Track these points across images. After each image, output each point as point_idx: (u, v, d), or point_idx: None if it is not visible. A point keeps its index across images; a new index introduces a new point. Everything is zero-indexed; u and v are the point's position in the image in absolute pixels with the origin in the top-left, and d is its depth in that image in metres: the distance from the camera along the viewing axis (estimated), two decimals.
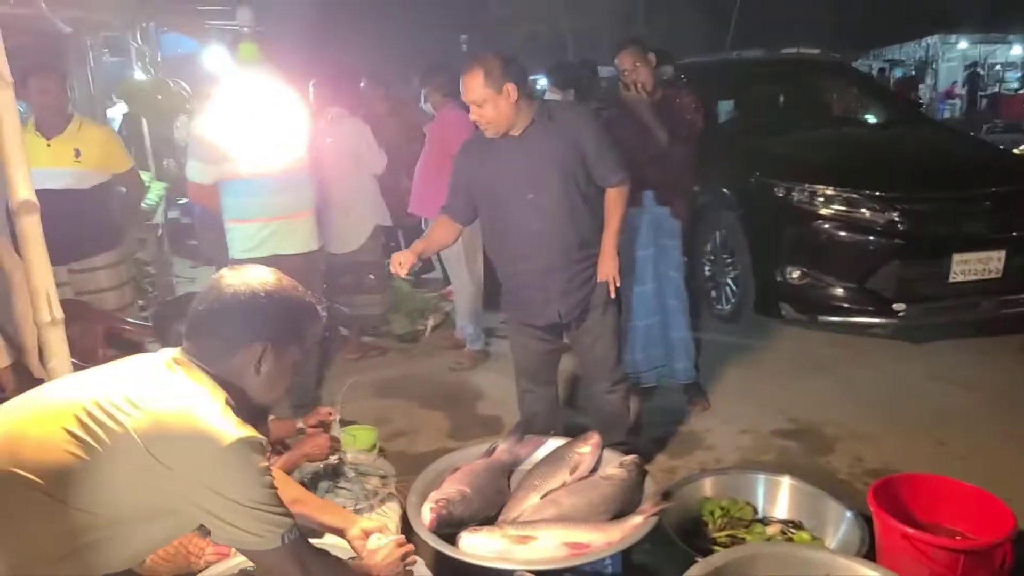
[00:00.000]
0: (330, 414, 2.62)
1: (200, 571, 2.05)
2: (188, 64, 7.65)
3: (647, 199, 3.54)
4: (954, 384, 3.77)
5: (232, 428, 1.34)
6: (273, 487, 1.39)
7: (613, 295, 2.77)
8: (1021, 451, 3.11)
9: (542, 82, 6.44)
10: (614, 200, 2.74)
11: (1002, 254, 4.03)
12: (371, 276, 4.23)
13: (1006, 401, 3.57)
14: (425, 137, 4.39)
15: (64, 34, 4.26)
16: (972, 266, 4.00)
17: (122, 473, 1.30)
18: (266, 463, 1.39)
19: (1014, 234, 4.08)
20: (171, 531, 1.46)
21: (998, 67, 22.15)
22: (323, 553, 1.58)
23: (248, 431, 1.36)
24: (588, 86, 5.10)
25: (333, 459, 2.50)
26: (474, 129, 2.75)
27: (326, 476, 2.49)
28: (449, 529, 2.17)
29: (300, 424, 2.63)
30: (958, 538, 2.07)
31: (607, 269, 2.73)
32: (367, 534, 1.83)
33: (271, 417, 2.47)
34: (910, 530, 2.06)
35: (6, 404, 1.45)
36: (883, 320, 4.10)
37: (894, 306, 4.03)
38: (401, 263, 2.66)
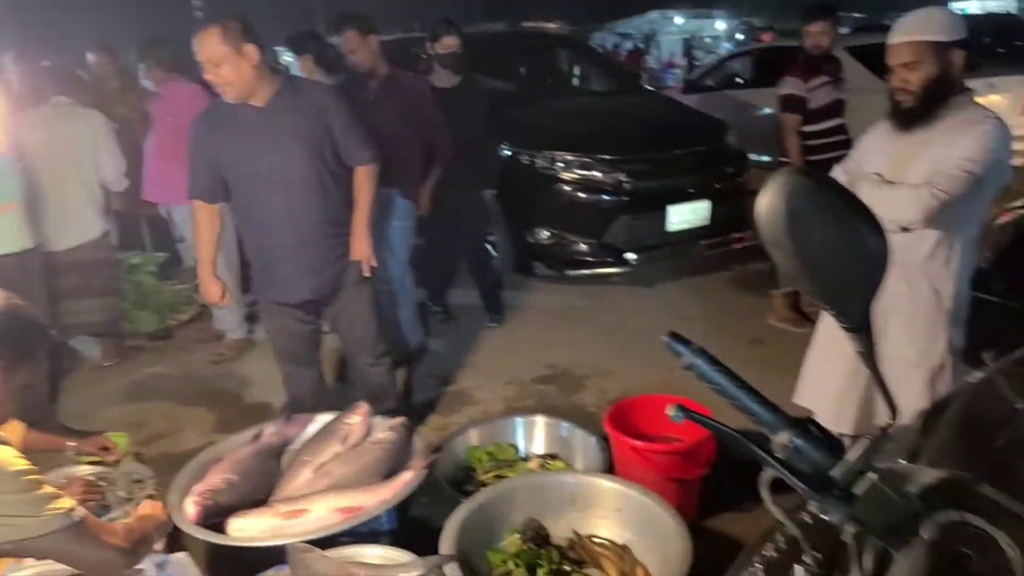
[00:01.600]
0: (106, 449, 2.48)
1: None
2: None
3: None
4: (678, 318, 4.37)
5: None
6: (32, 473, 1.37)
7: (367, 274, 2.82)
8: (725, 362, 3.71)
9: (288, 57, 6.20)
10: (363, 179, 2.76)
11: (707, 204, 4.72)
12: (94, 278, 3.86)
13: (716, 326, 4.22)
14: (149, 117, 4.08)
15: None
16: (684, 216, 4.65)
17: None
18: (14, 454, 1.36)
19: (716, 186, 4.79)
20: None
21: (708, 39, 25.26)
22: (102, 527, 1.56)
23: None
24: (333, 58, 5.01)
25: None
26: (210, 100, 2.63)
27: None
28: (217, 519, 2.13)
29: (73, 444, 2.45)
30: (674, 443, 2.46)
31: (360, 248, 2.77)
32: None
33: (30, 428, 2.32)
34: (636, 443, 2.41)
35: None
36: (619, 269, 4.63)
37: (626, 256, 4.56)
38: (215, 292, 2.78)
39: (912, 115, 2.04)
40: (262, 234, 2.72)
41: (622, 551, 2.13)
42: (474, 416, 3.40)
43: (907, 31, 2.02)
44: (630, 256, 4.58)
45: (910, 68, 2.00)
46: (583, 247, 4.62)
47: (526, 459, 2.76)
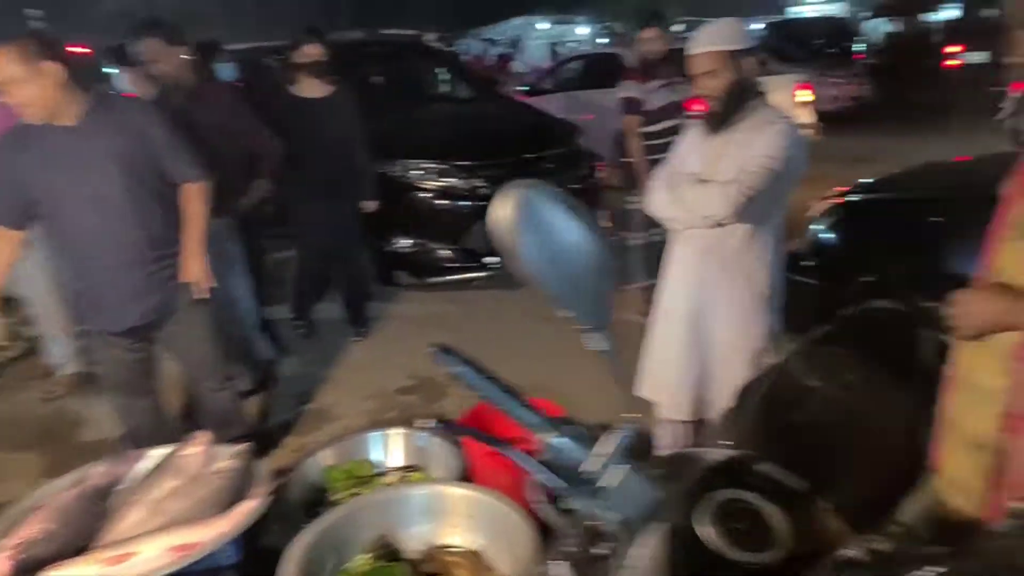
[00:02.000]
0: None
1: None
2: None
3: None
4: (539, 318, 4.43)
5: None
6: None
7: (202, 295, 2.69)
8: (582, 363, 3.80)
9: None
10: (191, 196, 2.64)
11: None
12: None
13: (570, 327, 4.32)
14: None
15: None
16: None
17: None
18: None
19: (571, 187, 4.90)
20: None
21: (572, 44, 26.02)
22: None
23: None
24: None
25: None
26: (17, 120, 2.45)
27: None
28: (33, 574, 1.94)
29: None
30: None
31: (192, 269, 2.64)
32: None
33: None
34: (487, 446, 2.41)
35: None
36: (481, 273, 4.67)
37: (487, 260, 4.60)
38: None
39: (716, 119, 2.18)
40: (78, 260, 2.54)
41: (475, 557, 2.13)
42: (335, 434, 3.31)
43: (703, 43, 2.16)
44: (491, 260, 4.63)
45: (710, 76, 2.14)
46: (444, 254, 4.63)
47: (384, 474, 2.71)
